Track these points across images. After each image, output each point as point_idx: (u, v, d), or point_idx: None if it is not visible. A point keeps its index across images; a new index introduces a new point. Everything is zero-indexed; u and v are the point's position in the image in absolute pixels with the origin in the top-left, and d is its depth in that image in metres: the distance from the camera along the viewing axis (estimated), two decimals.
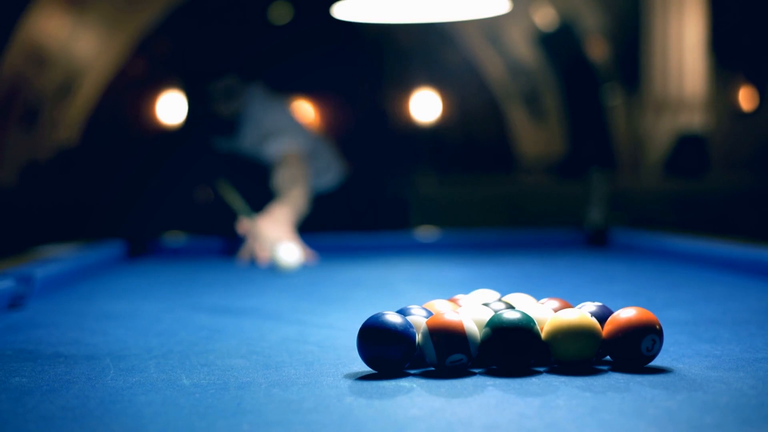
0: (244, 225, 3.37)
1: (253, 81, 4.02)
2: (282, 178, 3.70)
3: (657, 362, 1.47)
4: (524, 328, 1.38)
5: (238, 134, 4.01)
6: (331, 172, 4.31)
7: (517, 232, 4.02)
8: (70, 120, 10.17)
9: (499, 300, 1.61)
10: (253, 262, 3.32)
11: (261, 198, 3.68)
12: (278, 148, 3.82)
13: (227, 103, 3.92)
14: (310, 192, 3.79)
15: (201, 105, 4.00)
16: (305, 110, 11.22)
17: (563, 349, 1.41)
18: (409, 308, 1.52)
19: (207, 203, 3.67)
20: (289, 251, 3.11)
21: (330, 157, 4.35)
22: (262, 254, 3.28)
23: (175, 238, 3.75)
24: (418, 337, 1.43)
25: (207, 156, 4.22)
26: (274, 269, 3.12)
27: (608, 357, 1.48)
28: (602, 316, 1.49)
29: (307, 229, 3.69)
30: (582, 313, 1.43)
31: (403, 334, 1.40)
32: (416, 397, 1.27)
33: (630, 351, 1.41)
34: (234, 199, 3.46)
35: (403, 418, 1.18)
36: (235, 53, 4.01)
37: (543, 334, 1.42)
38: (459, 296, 1.69)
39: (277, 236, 3.25)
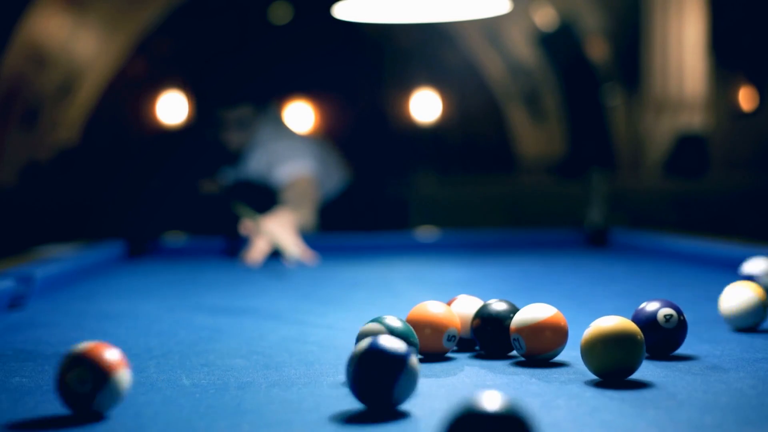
0: (247, 225, 3.37)
1: (265, 108, 4.03)
2: (291, 197, 3.73)
3: (657, 362, 1.47)
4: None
5: (244, 161, 4.04)
6: (334, 180, 4.32)
7: (517, 232, 4.02)
8: (70, 120, 10.17)
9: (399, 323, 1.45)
10: (251, 263, 3.32)
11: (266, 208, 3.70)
12: (288, 171, 3.85)
13: (238, 134, 3.94)
14: (316, 212, 3.84)
15: (211, 130, 4.02)
16: (304, 111, 11.22)
17: (604, 360, 1.34)
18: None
19: (211, 195, 3.67)
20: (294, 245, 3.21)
21: (333, 164, 4.36)
22: (258, 255, 3.29)
23: (175, 238, 3.75)
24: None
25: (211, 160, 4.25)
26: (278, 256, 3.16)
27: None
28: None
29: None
30: (622, 319, 1.38)
31: None
32: (415, 397, 1.27)
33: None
34: (244, 208, 3.47)
35: (403, 418, 1.18)
36: (252, 81, 4.03)
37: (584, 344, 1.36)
38: (458, 297, 1.69)
39: (280, 232, 3.28)
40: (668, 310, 1.52)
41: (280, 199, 3.81)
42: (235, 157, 4.05)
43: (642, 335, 1.36)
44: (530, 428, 0.94)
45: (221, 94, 3.97)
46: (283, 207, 3.61)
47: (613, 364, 1.33)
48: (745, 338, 1.70)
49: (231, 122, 3.93)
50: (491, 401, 0.95)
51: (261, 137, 3.99)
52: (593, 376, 1.37)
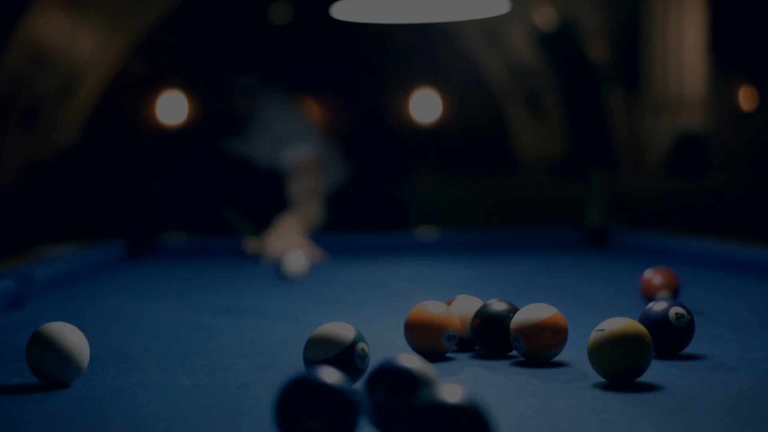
0: (252, 245, 3.38)
1: (270, 85, 4.06)
2: (297, 188, 3.73)
3: (657, 362, 1.47)
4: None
5: (250, 137, 4.04)
6: (334, 174, 4.32)
7: (517, 232, 4.02)
8: (70, 120, 10.17)
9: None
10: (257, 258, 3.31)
11: (271, 207, 3.69)
12: (294, 155, 3.86)
13: (244, 100, 3.96)
14: (324, 201, 3.84)
15: (217, 98, 4.03)
16: (311, 108, 11.22)
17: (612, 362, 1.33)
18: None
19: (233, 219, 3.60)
20: (296, 259, 2.91)
21: (333, 158, 4.36)
22: (274, 251, 3.27)
23: (175, 238, 3.75)
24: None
25: (215, 160, 4.24)
26: (280, 276, 2.97)
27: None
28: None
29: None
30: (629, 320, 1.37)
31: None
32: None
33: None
34: (239, 221, 3.46)
35: None
36: (258, 54, 4.08)
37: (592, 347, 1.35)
38: (458, 297, 1.69)
39: (285, 248, 3.19)
40: (679, 309, 1.52)
41: (287, 195, 3.79)
42: (240, 126, 4.04)
43: (650, 337, 1.35)
44: (488, 422, 0.94)
45: (229, 60, 4.02)
46: (288, 211, 3.59)
47: (622, 367, 1.32)
48: (745, 338, 1.70)
49: (237, 88, 3.96)
50: (452, 394, 0.95)
51: (265, 119, 4.00)
52: (594, 376, 1.37)
